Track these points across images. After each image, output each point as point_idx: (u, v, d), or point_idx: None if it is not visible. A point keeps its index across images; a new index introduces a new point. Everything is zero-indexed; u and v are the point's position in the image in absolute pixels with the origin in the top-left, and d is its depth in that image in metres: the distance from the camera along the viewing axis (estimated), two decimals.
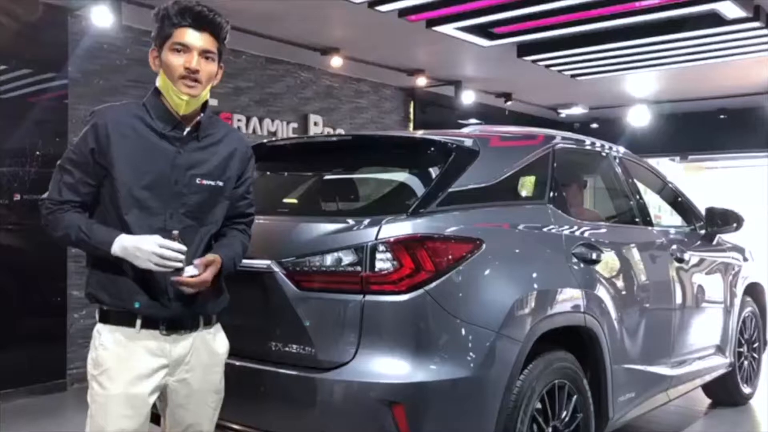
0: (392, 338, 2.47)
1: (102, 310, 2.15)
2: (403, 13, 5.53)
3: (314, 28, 6.18)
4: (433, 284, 2.48)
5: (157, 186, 2.10)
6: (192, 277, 2.06)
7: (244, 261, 2.68)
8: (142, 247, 2.02)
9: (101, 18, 5.11)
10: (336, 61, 6.90)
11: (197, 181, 2.16)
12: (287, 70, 7.33)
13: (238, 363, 2.64)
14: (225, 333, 2.33)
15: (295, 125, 7.41)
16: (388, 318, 2.48)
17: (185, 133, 2.15)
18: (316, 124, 7.61)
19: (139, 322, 2.10)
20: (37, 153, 5.10)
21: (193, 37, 2.10)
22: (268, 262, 2.62)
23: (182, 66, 2.08)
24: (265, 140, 3.47)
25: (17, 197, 5.09)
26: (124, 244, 2.04)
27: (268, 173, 3.53)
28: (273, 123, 7.15)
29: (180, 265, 2.04)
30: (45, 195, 2.13)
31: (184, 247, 2.05)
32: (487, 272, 2.67)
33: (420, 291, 2.46)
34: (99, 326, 2.15)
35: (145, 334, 2.11)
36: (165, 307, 2.12)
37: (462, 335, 2.55)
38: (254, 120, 6.96)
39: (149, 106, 2.15)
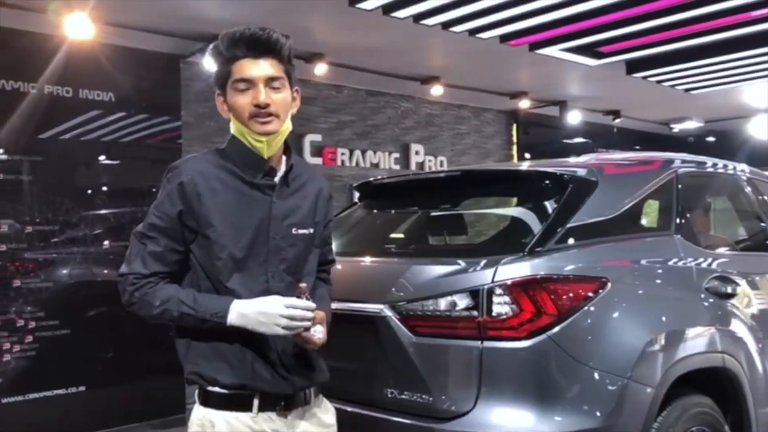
0: (514, 387, 2.34)
1: (207, 392, 1.82)
2: (505, 38, 5.42)
3: (414, 59, 6.17)
4: (556, 329, 2.33)
5: (256, 243, 1.82)
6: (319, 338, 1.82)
7: (357, 305, 2.65)
8: (267, 311, 1.74)
9: (211, 63, 5.30)
10: (436, 90, 6.86)
11: (293, 231, 1.88)
12: (388, 101, 7.36)
13: (350, 409, 2.58)
14: (336, 377, 2.13)
15: (397, 155, 7.41)
16: (509, 366, 2.35)
17: (277, 179, 1.88)
18: (417, 153, 7.58)
19: (256, 403, 1.81)
20: (154, 193, 5.34)
21: (254, 68, 1.79)
22: (380, 306, 2.54)
23: (250, 104, 1.79)
24: (371, 178, 3.43)
25: None
26: (242, 311, 1.75)
27: (375, 211, 3.49)
28: (375, 155, 7.17)
29: (309, 324, 1.79)
30: (124, 269, 1.82)
31: (313, 304, 1.80)
32: (613, 313, 2.49)
33: (542, 336, 2.32)
34: (205, 412, 1.82)
35: (263, 417, 1.81)
36: (286, 381, 1.84)
37: (589, 382, 2.38)
38: (357, 153, 7.01)
39: (233, 153, 1.86)
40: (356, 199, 3.54)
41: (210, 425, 1.81)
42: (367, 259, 2.91)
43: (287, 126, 1.87)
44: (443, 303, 2.43)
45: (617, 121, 8.90)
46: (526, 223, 2.84)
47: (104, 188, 5.24)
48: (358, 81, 6.78)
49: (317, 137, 6.65)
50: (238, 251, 1.80)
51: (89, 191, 5.17)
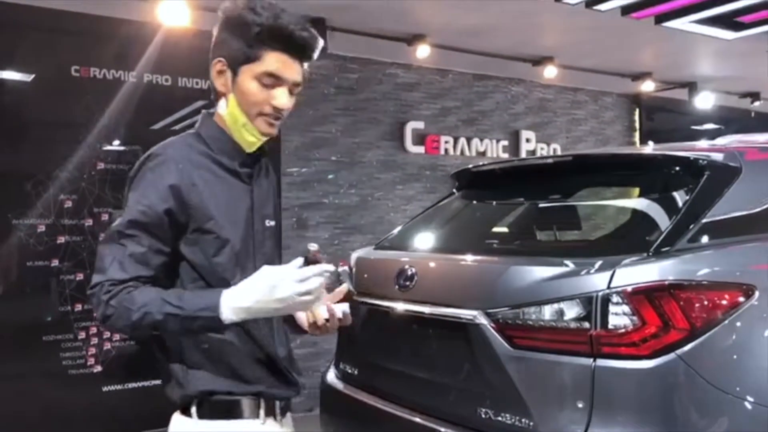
0: (634, 416, 1.94)
1: (212, 402, 1.58)
2: (627, 10, 4.87)
3: (526, 37, 5.73)
4: (688, 347, 1.92)
5: (247, 237, 1.62)
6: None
7: (447, 309, 2.35)
8: (279, 295, 1.46)
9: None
10: (550, 72, 6.36)
11: (266, 223, 1.70)
12: (496, 85, 6.93)
13: (443, 429, 2.29)
14: (424, 390, 1.96)
15: (506, 143, 6.97)
16: (628, 389, 1.96)
17: (255, 167, 1.70)
18: (528, 140, 7.10)
19: (263, 406, 1.62)
20: None
21: (287, 69, 1.59)
22: (474, 312, 2.22)
23: (268, 103, 1.59)
24: (470, 165, 3.08)
25: None
26: (241, 304, 1.47)
27: (474, 202, 3.14)
28: (482, 143, 6.77)
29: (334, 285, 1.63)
30: (97, 279, 1.50)
31: (330, 266, 1.54)
32: (763, 330, 2.03)
33: (670, 356, 1.92)
34: (209, 425, 1.59)
35: (270, 424, 1.65)
36: (295, 385, 1.69)
37: (731, 415, 1.95)
38: (462, 141, 6.63)
39: (208, 137, 1.64)
40: (453, 189, 3.21)
41: None
42: (462, 258, 2.57)
43: None
44: (548, 311, 2.08)
45: (756, 104, 8.01)
46: (651, 218, 2.42)
47: None
48: (463, 64, 6.40)
49: (419, 125, 6.34)
50: (238, 245, 1.60)
51: None
